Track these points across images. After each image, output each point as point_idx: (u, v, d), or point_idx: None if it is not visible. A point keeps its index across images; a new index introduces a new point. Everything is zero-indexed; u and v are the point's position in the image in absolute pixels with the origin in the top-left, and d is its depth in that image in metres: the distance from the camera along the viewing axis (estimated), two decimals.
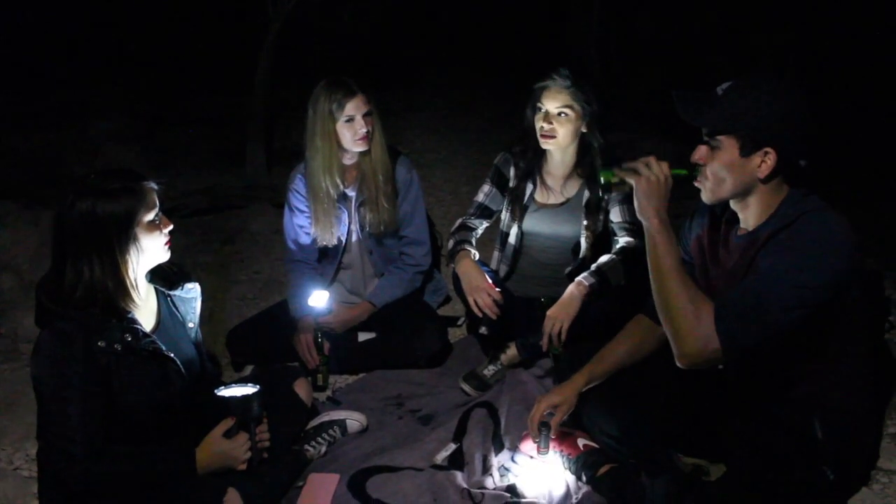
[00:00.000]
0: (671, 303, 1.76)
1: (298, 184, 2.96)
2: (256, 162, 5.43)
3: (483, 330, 2.77)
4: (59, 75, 6.82)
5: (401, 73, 7.77)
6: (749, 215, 1.85)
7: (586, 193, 2.82)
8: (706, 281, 2.01)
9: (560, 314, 2.61)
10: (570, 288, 2.66)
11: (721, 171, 1.78)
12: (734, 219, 1.92)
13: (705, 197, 1.86)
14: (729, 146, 1.76)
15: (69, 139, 6.08)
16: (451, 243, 2.89)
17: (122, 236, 1.88)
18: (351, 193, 2.95)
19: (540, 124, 2.70)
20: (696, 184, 1.86)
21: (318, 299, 2.90)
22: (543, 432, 2.13)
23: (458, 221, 2.97)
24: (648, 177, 1.80)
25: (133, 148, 5.95)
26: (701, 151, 1.81)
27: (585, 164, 2.80)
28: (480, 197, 2.97)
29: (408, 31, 8.34)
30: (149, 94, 6.92)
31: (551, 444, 2.20)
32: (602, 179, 1.90)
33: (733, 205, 1.87)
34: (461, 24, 8.45)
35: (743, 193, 1.81)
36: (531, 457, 2.29)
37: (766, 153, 1.73)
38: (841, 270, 1.69)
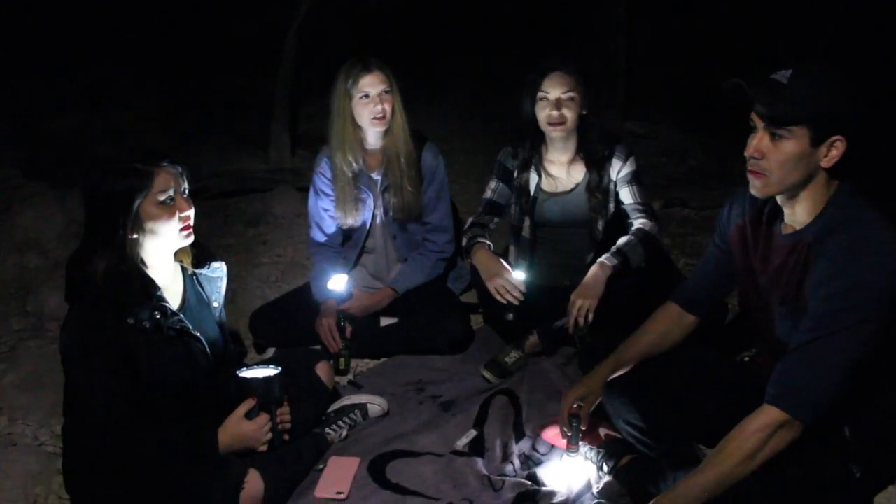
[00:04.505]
0: (738, 467, 1.69)
1: (324, 166, 2.96)
2: (280, 145, 5.43)
3: (509, 316, 2.76)
4: (83, 58, 6.85)
5: (425, 60, 7.73)
6: (797, 211, 1.79)
7: (588, 175, 2.83)
8: (748, 272, 1.99)
9: (586, 296, 2.61)
10: (594, 269, 2.66)
11: (789, 162, 1.69)
12: (777, 213, 1.87)
13: (759, 190, 1.77)
14: (800, 135, 1.67)
15: (94, 121, 6.13)
16: (464, 241, 2.91)
17: (126, 216, 1.88)
18: (377, 177, 2.94)
19: (548, 112, 2.69)
20: (749, 175, 1.76)
21: (337, 283, 2.90)
22: (574, 424, 2.10)
23: (469, 220, 2.98)
24: None
25: (158, 130, 5.99)
26: (764, 142, 1.71)
27: (587, 146, 2.81)
28: (488, 193, 2.98)
29: (432, 16, 8.30)
30: (173, 77, 6.94)
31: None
32: None
33: (782, 200, 1.80)
34: (486, 11, 8.39)
35: (801, 186, 1.74)
36: (553, 446, 2.29)
37: (835, 142, 1.67)
38: (891, 283, 1.64)
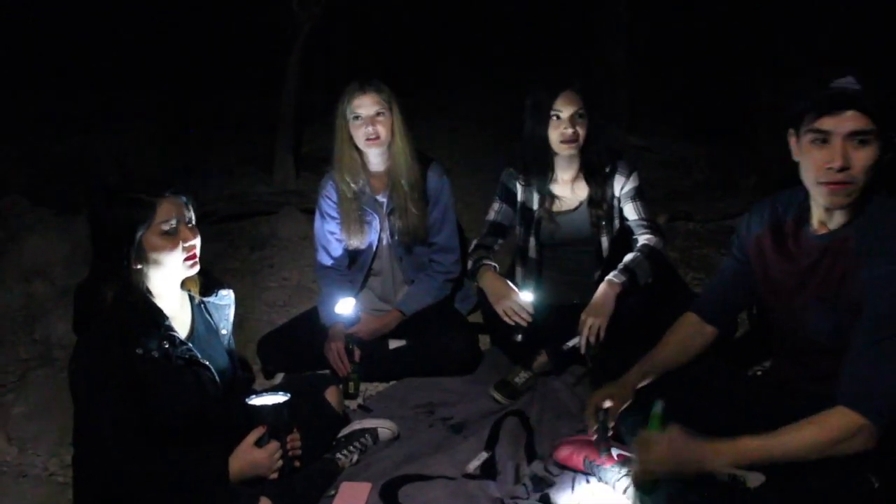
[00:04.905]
0: (800, 451, 1.72)
1: (330, 189, 2.96)
2: (285, 167, 5.44)
3: (518, 337, 2.75)
4: (86, 79, 6.89)
5: (428, 75, 7.77)
6: (836, 214, 1.83)
7: (588, 190, 2.84)
8: (766, 279, 2.01)
9: (597, 315, 2.60)
10: (603, 287, 2.66)
11: (872, 166, 1.73)
12: (804, 217, 1.91)
13: (842, 201, 1.78)
14: (877, 138, 1.72)
15: (99, 145, 6.15)
16: (469, 263, 2.90)
17: (129, 247, 1.88)
18: (382, 199, 2.94)
19: (561, 130, 2.70)
20: (830, 188, 1.77)
21: (345, 307, 2.90)
22: (602, 418, 2.06)
23: (474, 243, 2.98)
24: (648, 467, 1.83)
25: (161, 153, 6.00)
26: (848, 151, 1.72)
27: (590, 162, 2.82)
28: (492, 215, 2.97)
29: (434, 32, 8.33)
30: (177, 99, 6.97)
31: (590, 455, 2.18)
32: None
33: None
34: (488, 24, 8.43)
35: (869, 189, 1.77)
36: (565, 467, 2.27)
37: (892, 137, 1.74)
38: None
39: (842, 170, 1.73)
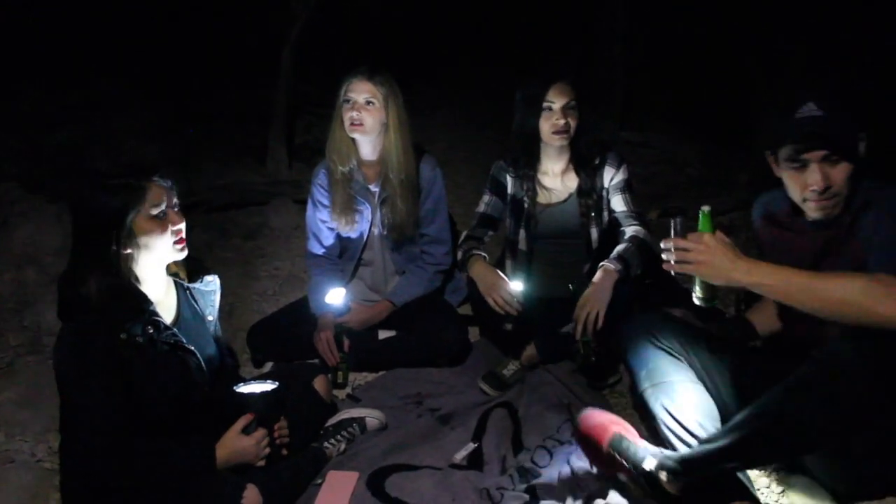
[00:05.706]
0: (840, 294, 1.65)
1: (322, 177, 2.96)
2: (278, 158, 5.44)
3: (508, 326, 2.75)
4: (82, 70, 6.86)
5: (425, 70, 7.75)
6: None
7: (578, 181, 2.85)
8: (772, 253, 2.09)
9: (594, 301, 2.59)
10: (600, 275, 2.65)
11: (851, 176, 1.86)
12: (797, 209, 2.01)
13: (830, 211, 1.89)
14: (850, 153, 1.85)
15: (92, 135, 6.12)
16: (459, 254, 2.90)
17: (119, 232, 1.89)
18: (375, 189, 2.94)
19: (553, 122, 2.71)
20: (818, 204, 1.88)
21: (335, 297, 2.90)
22: (678, 218, 2.03)
23: (464, 234, 2.98)
24: (697, 265, 1.87)
25: (156, 143, 5.99)
26: (826, 171, 1.84)
27: (579, 154, 2.84)
28: (482, 207, 2.98)
29: (432, 25, 8.32)
30: (172, 89, 6.94)
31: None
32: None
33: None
34: (486, 21, 8.43)
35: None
36: (551, 458, 2.28)
37: (862, 139, 1.88)
38: None
39: (824, 190, 1.85)
